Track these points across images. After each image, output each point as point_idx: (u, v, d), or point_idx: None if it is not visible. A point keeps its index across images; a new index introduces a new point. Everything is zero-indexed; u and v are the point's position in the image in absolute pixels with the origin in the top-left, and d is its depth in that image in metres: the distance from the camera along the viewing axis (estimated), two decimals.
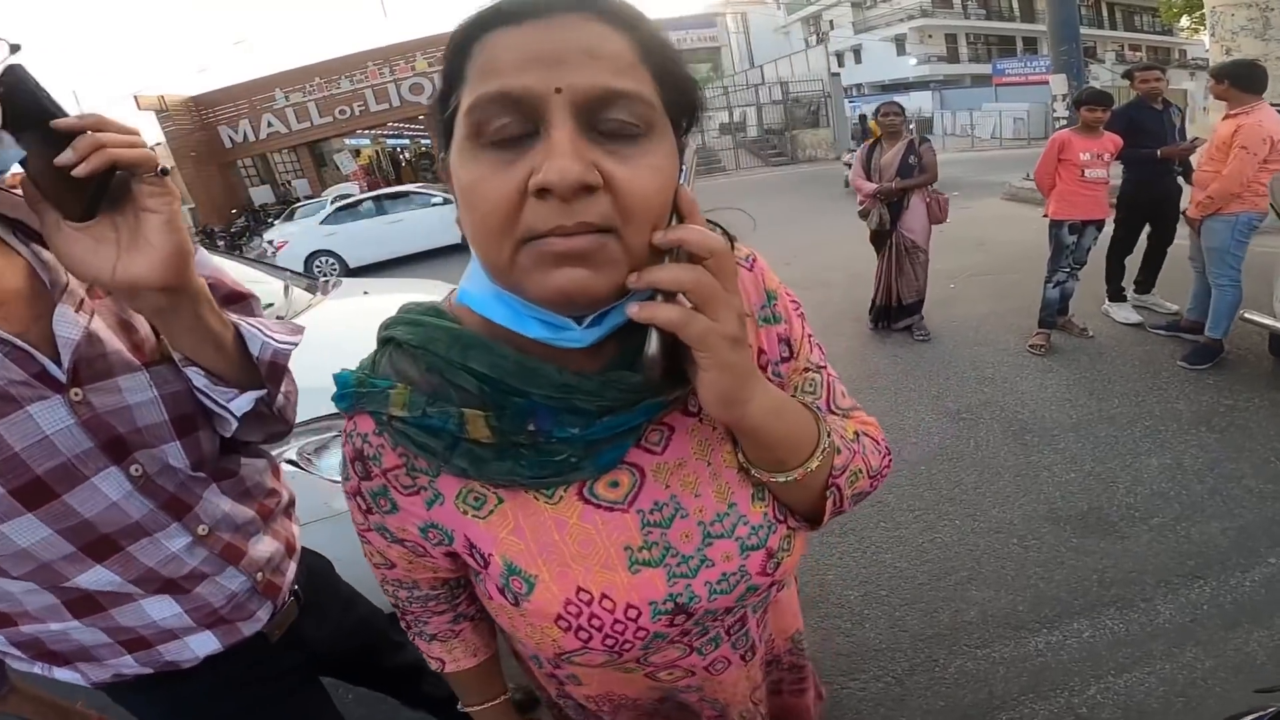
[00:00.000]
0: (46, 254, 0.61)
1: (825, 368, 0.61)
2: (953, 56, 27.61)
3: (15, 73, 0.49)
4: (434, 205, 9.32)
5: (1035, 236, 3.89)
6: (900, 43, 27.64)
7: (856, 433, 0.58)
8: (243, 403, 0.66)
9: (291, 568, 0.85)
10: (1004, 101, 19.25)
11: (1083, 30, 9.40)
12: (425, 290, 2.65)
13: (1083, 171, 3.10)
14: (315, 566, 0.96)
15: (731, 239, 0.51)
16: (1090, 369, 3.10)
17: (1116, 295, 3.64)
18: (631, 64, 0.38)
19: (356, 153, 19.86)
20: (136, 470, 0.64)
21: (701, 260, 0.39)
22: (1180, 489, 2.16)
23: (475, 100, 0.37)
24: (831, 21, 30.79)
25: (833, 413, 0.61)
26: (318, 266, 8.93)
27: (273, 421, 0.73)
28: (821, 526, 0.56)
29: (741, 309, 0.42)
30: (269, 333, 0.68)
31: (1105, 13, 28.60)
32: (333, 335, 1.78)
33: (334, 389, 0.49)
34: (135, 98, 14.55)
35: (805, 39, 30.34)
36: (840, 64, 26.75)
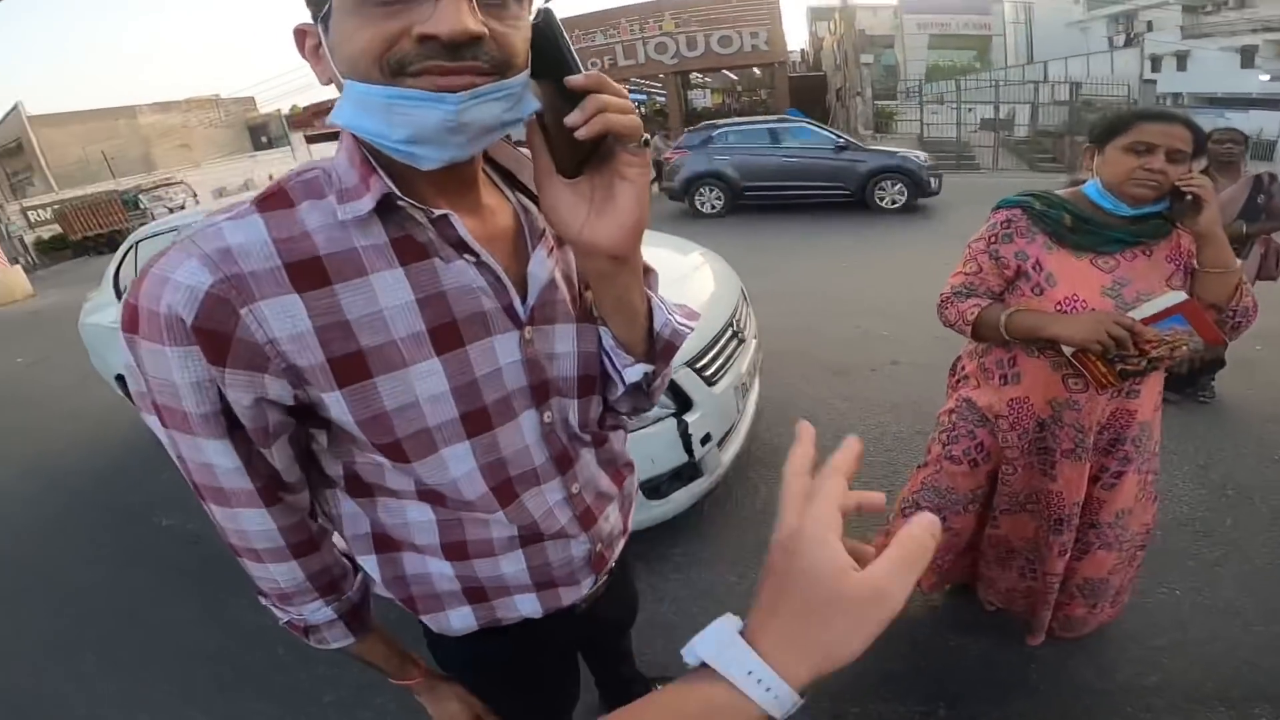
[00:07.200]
0: (527, 202, 0.64)
1: None
2: None
3: (548, 17, 0.50)
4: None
5: None
6: (1249, 54, 23.20)
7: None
8: (634, 372, 0.65)
9: (620, 545, 0.84)
10: None
11: None
12: (675, 246, 2.97)
13: None
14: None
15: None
16: None
17: None
18: None
19: None
20: (548, 417, 0.65)
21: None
22: None
23: None
24: (1150, 22, 27.13)
25: None
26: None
27: (642, 397, 0.72)
28: (1229, 312, 1.22)
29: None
30: (672, 312, 0.68)
31: None
32: None
33: None
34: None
35: (1109, 38, 27.32)
36: (1155, 69, 24.46)
